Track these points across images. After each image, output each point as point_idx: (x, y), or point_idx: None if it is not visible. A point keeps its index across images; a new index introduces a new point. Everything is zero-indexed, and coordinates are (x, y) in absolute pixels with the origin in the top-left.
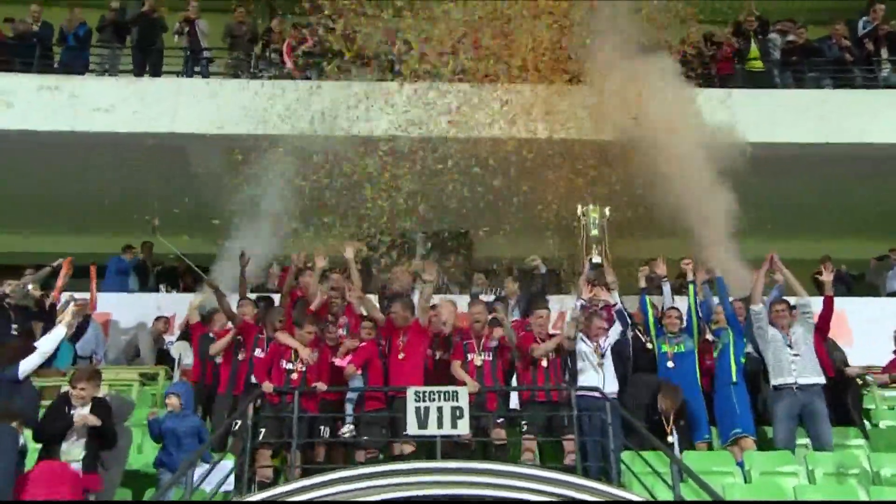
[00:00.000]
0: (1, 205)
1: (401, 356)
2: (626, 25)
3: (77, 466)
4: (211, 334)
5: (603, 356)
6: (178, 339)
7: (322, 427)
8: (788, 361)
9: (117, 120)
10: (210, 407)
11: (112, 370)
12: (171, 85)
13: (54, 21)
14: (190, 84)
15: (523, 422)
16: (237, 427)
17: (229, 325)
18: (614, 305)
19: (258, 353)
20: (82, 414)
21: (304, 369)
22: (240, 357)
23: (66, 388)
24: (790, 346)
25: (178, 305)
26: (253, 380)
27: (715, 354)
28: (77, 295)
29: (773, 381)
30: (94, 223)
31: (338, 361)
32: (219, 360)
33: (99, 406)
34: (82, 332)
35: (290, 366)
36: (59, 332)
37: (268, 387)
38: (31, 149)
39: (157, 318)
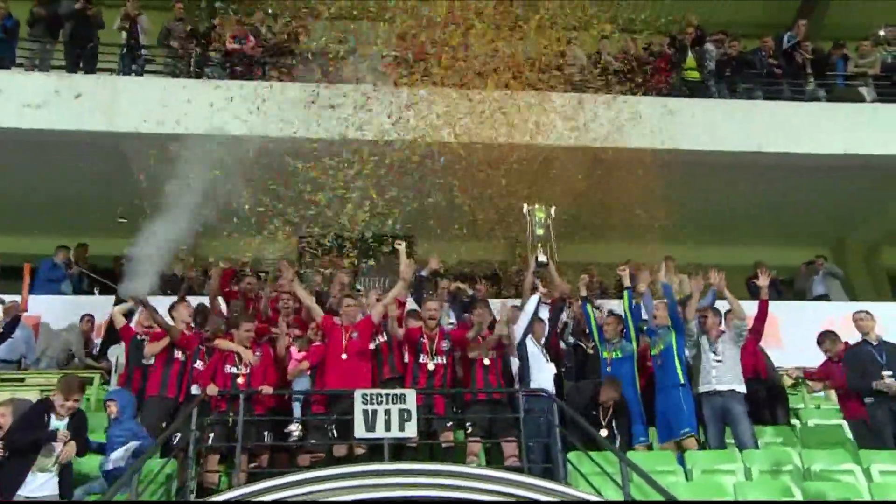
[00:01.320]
0: None
1: (344, 356)
2: None
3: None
4: (139, 336)
5: (549, 359)
6: (102, 341)
7: (266, 432)
8: (711, 367)
9: (48, 117)
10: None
11: (43, 376)
12: (107, 82)
13: None
14: (127, 82)
15: (467, 423)
16: (177, 439)
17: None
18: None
19: (199, 364)
20: (67, 451)
21: (248, 372)
22: (177, 355)
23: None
24: (714, 352)
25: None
26: (195, 390)
27: (654, 352)
28: (7, 297)
29: (697, 389)
30: (27, 223)
31: (294, 354)
32: (148, 362)
33: (79, 419)
34: (9, 335)
35: (234, 370)
36: None
37: (213, 389)
38: None
39: (82, 318)
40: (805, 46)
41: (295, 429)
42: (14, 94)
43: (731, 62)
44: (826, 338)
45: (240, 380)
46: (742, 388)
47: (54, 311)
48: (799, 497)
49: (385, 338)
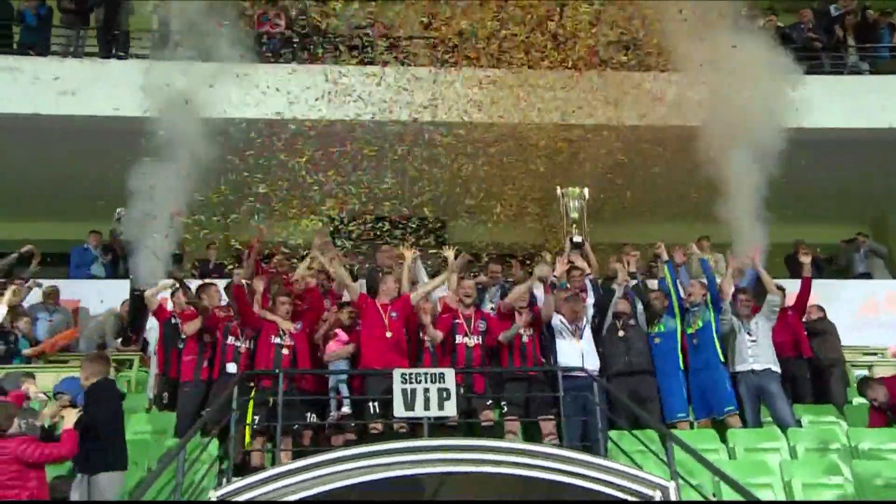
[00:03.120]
0: None
1: (389, 335)
2: None
3: None
4: (174, 320)
5: (582, 337)
6: (125, 325)
7: (308, 413)
8: (746, 346)
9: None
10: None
11: (80, 358)
12: (141, 66)
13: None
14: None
15: (502, 403)
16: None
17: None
18: (588, 274)
19: (231, 340)
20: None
21: (292, 343)
22: (207, 340)
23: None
24: (749, 333)
25: None
26: (230, 368)
27: (689, 331)
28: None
29: (733, 368)
30: (65, 209)
31: (341, 335)
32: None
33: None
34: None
35: (278, 340)
36: None
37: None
38: None
39: (123, 302)
40: (850, 19)
41: (347, 410)
42: (49, 80)
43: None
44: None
45: (284, 350)
46: (777, 368)
47: (90, 295)
48: (848, 476)
49: None
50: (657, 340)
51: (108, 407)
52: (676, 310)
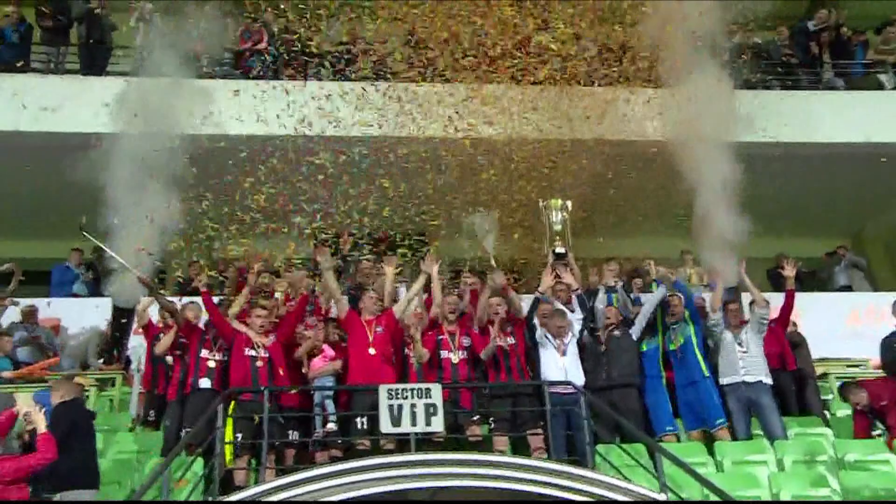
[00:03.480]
0: None
1: (372, 351)
2: None
3: None
4: (161, 334)
5: (565, 353)
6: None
7: (291, 431)
8: (737, 358)
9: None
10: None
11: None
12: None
13: None
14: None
15: (490, 419)
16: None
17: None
18: (576, 290)
19: (204, 353)
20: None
21: (267, 355)
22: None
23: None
24: (740, 344)
25: None
26: (203, 383)
27: (672, 347)
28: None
29: (723, 380)
30: (47, 227)
31: (327, 351)
32: (170, 360)
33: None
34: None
35: (252, 352)
36: None
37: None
38: None
39: (108, 321)
40: (825, 36)
41: (333, 427)
42: (30, 97)
43: (745, 52)
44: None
45: (259, 363)
46: (769, 380)
47: (71, 313)
48: (836, 487)
49: None
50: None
51: (71, 425)
52: (659, 326)
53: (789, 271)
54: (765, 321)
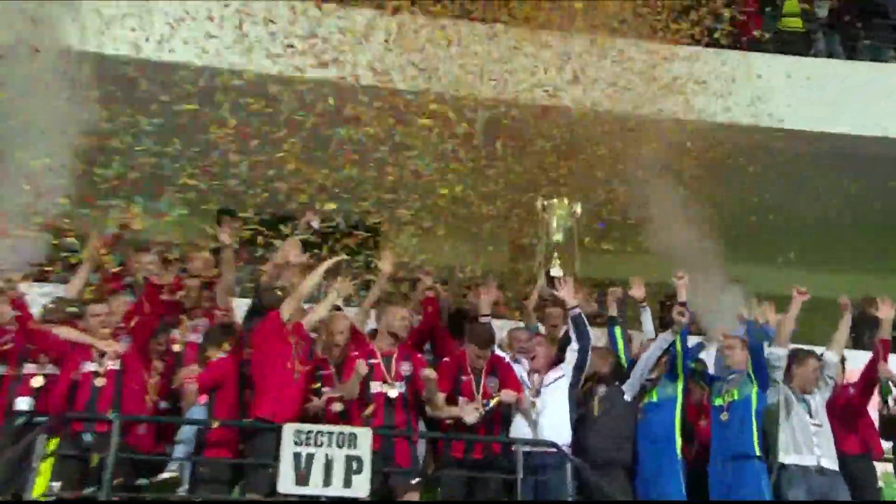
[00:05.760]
0: None
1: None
2: None
3: None
4: None
5: (538, 393)
6: None
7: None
8: (810, 432)
9: None
10: None
11: None
12: None
13: None
14: None
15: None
16: None
17: None
18: (573, 309)
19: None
20: None
21: (116, 367)
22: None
23: None
24: (810, 413)
25: None
26: (21, 404)
27: (718, 402)
28: None
29: (787, 459)
30: None
31: (183, 374)
32: None
33: None
34: None
35: (93, 367)
36: None
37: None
38: None
39: None
40: None
41: (170, 475)
42: None
43: (849, 7)
44: None
45: (98, 381)
46: (836, 465)
47: None
48: None
49: None
50: (643, 416)
51: None
52: (679, 370)
53: (887, 311)
54: (831, 379)
